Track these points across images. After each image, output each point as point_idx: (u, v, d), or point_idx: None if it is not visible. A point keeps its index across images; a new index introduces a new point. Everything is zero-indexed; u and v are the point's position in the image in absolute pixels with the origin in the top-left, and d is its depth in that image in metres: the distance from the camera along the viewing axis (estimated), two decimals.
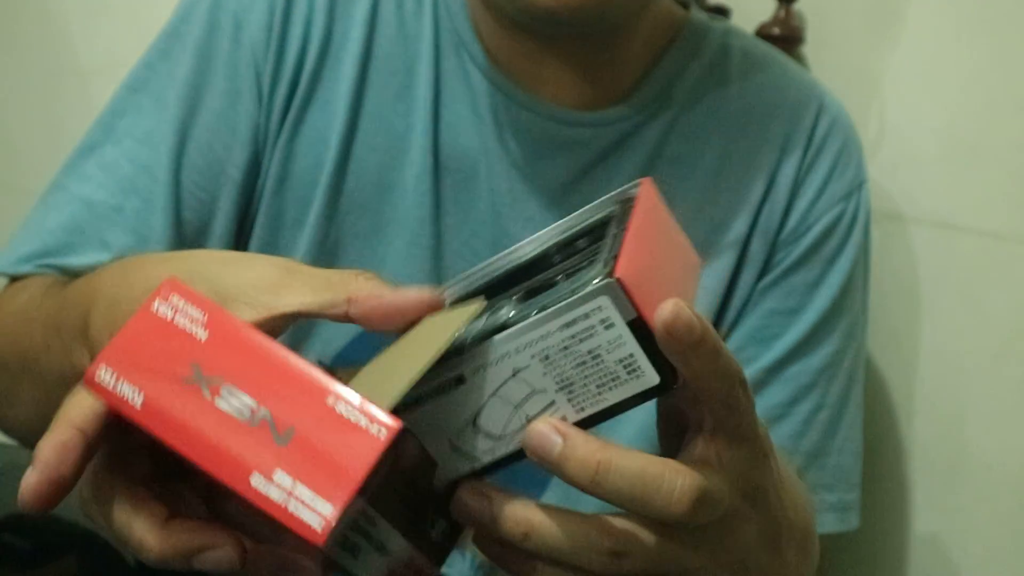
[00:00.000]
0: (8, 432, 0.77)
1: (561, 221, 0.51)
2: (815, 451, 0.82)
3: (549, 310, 0.43)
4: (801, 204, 0.84)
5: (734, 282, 0.83)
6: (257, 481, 0.39)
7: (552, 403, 0.45)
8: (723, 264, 0.82)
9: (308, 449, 0.40)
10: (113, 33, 1.48)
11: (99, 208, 0.78)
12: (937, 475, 1.11)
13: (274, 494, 0.39)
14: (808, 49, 1.09)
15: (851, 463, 0.86)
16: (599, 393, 0.45)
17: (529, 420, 0.45)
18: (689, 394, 0.46)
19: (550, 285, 0.48)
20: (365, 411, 0.40)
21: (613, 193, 0.51)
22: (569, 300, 0.43)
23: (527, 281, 0.50)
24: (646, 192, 0.50)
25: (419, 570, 0.46)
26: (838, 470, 0.85)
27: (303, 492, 0.39)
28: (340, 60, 0.81)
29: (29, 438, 0.75)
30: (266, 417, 0.41)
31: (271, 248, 0.79)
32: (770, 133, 0.84)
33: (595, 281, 0.43)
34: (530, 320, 0.43)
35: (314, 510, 0.39)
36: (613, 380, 0.44)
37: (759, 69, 0.86)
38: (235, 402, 0.41)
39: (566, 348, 0.44)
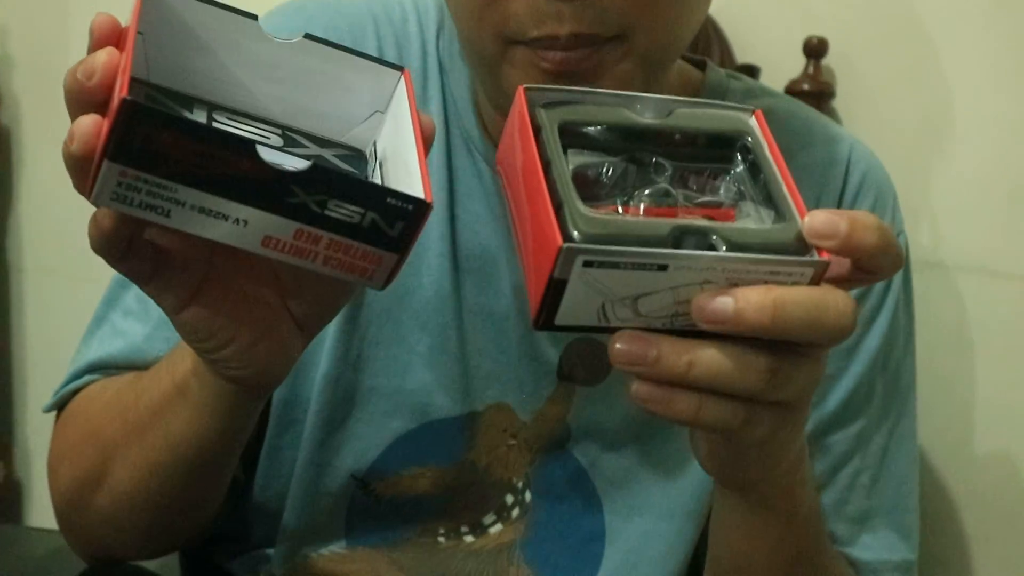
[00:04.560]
0: (86, 527, 0.75)
1: (672, 97, 0.54)
2: (861, 515, 0.80)
3: (771, 257, 0.47)
4: None
5: None
6: None
7: None
8: None
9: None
10: None
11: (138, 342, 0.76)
12: (997, 526, 1.09)
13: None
14: (839, 103, 1.09)
15: (909, 521, 0.83)
16: None
17: (677, 314, 0.47)
18: None
19: (710, 182, 0.52)
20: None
21: (724, 105, 0.54)
22: (790, 258, 0.47)
23: (664, 155, 0.52)
24: (766, 133, 0.53)
25: (315, 237, 0.49)
26: (899, 528, 0.82)
27: None
28: None
29: (117, 518, 0.73)
30: None
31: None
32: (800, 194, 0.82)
33: (814, 254, 0.47)
34: (750, 257, 0.46)
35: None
36: None
37: (783, 128, 0.84)
38: None
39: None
